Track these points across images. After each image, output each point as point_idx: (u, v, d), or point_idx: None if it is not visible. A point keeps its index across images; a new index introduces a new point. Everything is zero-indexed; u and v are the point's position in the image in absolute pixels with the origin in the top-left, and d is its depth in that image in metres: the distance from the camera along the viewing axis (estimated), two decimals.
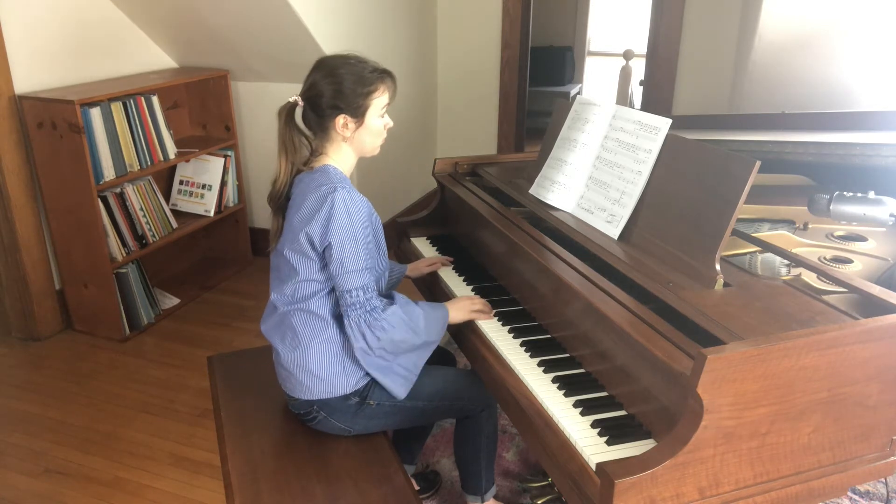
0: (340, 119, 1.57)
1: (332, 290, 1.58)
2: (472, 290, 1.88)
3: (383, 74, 1.60)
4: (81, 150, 2.66)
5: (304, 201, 1.54)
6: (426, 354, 1.65)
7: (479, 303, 1.73)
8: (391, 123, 1.66)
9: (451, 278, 1.96)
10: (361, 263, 1.51)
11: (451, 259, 2.03)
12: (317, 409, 1.62)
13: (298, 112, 1.61)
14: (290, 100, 1.60)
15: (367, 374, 1.61)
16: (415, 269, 1.99)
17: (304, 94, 1.59)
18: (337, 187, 1.51)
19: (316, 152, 1.62)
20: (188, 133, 3.52)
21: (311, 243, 1.52)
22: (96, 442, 2.33)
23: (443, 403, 1.71)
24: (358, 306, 1.51)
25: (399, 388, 1.61)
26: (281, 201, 1.63)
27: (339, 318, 1.59)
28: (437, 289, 1.97)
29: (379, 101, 1.60)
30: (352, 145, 1.62)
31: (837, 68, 2.87)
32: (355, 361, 1.59)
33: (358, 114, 1.57)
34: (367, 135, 1.62)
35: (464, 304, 1.71)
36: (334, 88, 1.55)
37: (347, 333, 1.54)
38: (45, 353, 2.87)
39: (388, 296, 1.61)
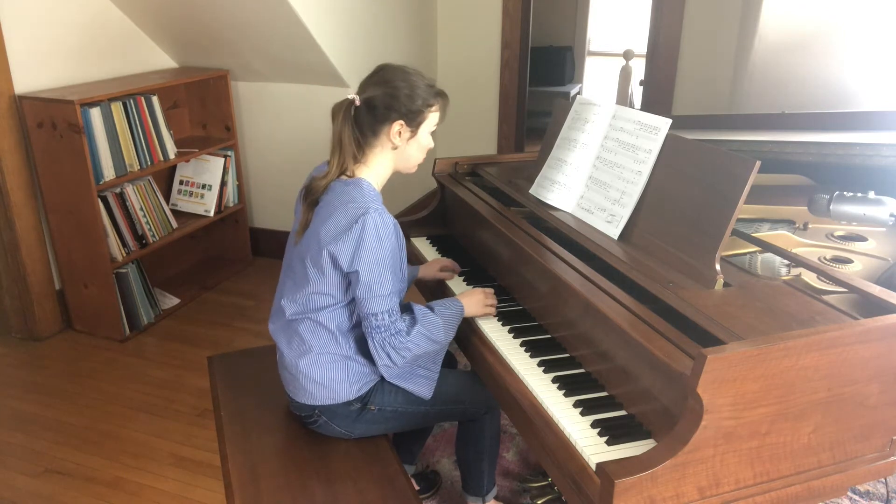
0: (397, 125, 1.55)
1: (345, 306, 1.57)
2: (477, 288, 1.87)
3: (442, 93, 1.62)
4: (81, 150, 2.66)
5: (331, 213, 1.51)
6: (443, 353, 1.66)
7: (491, 296, 1.72)
8: (433, 144, 1.65)
9: (452, 279, 1.96)
10: (389, 288, 1.50)
11: (460, 269, 1.99)
12: (318, 413, 1.62)
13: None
14: (349, 97, 1.56)
15: (371, 380, 1.61)
16: (426, 273, 1.96)
17: (364, 95, 1.56)
18: (369, 209, 1.48)
19: (356, 158, 1.59)
20: (188, 133, 3.52)
21: (335, 262, 1.50)
22: (96, 442, 2.33)
23: (445, 408, 1.71)
24: (383, 329, 1.51)
25: (424, 388, 1.62)
26: (315, 197, 1.59)
27: (346, 333, 1.58)
28: (437, 289, 1.97)
29: (434, 117, 1.61)
30: (396, 156, 1.61)
31: (837, 68, 2.87)
32: (360, 370, 1.59)
33: (414, 123, 1.57)
34: (415, 148, 1.61)
35: (478, 299, 1.70)
36: (400, 93, 1.53)
37: (371, 353, 1.54)
38: (45, 353, 2.87)
39: (405, 307, 1.59)
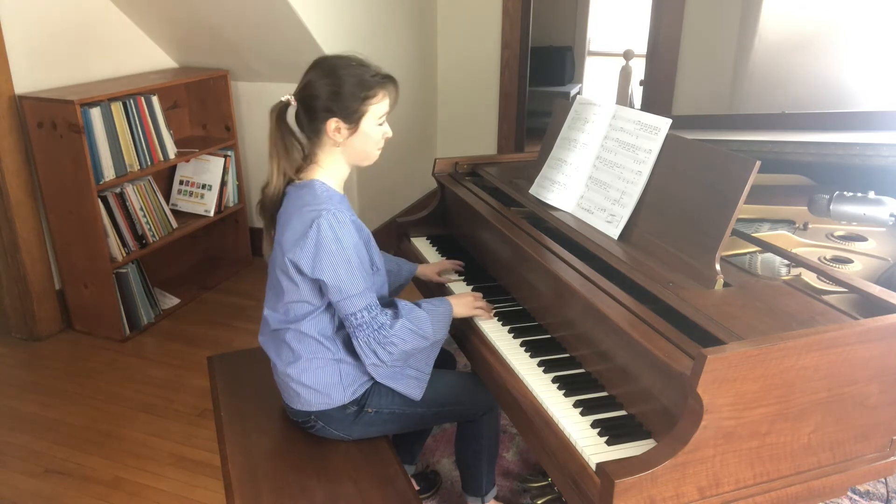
0: (332, 123, 1.49)
1: (325, 311, 1.55)
2: (472, 290, 1.88)
3: (385, 80, 1.52)
4: (81, 150, 2.66)
5: (289, 220, 1.50)
6: (435, 352, 1.64)
7: (482, 300, 1.72)
8: (390, 133, 1.58)
9: (450, 282, 1.96)
10: (361, 285, 1.47)
11: (461, 264, 1.99)
12: (314, 418, 1.61)
13: (291, 113, 1.54)
14: (283, 99, 1.52)
15: (366, 382, 1.60)
16: (425, 272, 1.95)
17: (298, 94, 1.51)
18: (322, 211, 1.45)
19: (308, 159, 1.56)
20: (188, 133, 3.52)
21: (299, 270, 1.48)
22: (96, 442, 2.33)
23: (443, 409, 1.71)
24: (365, 326, 1.48)
25: (414, 390, 1.61)
26: (272, 210, 1.57)
27: (331, 337, 1.57)
28: (437, 290, 1.97)
29: (377, 108, 1.52)
30: (344, 152, 1.55)
31: (837, 68, 2.87)
32: (352, 372, 1.58)
33: (352, 119, 1.50)
34: (361, 143, 1.53)
35: (467, 301, 1.69)
36: (330, 90, 1.47)
37: (358, 353, 1.52)
38: (45, 353, 2.87)
39: (389, 303, 1.58)
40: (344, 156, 1.56)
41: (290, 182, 1.56)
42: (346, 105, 1.48)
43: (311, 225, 1.44)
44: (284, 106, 1.52)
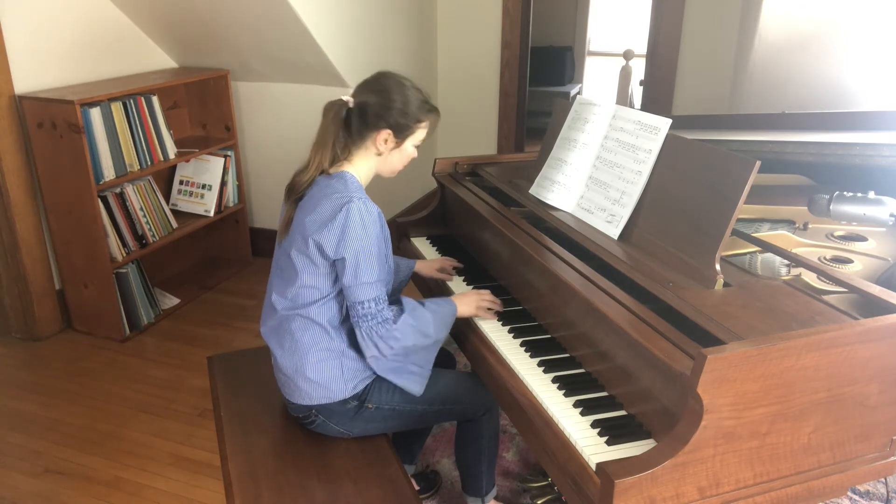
0: (384, 133, 1.59)
1: (334, 298, 1.57)
2: (473, 290, 1.87)
3: (434, 110, 1.66)
4: (81, 150, 2.66)
5: (317, 205, 1.54)
6: (436, 350, 1.66)
7: (487, 299, 1.73)
8: (416, 155, 1.70)
9: (451, 280, 1.96)
10: (375, 275, 1.52)
11: (460, 265, 2.00)
12: (315, 413, 1.62)
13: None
14: (343, 98, 1.60)
15: (367, 378, 1.61)
16: (423, 269, 1.96)
17: (358, 99, 1.59)
18: (353, 197, 1.52)
19: (341, 155, 1.62)
20: (188, 133, 3.52)
21: (321, 250, 1.52)
22: (96, 442, 2.33)
23: (443, 408, 1.71)
24: (370, 318, 1.52)
25: (415, 385, 1.63)
26: (298, 195, 1.62)
27: (338, 327, 1.59)
28: (437, 288, 1.97)
29: (421, 133, 1.65)
30: (379, 161, 1.65)
31: (837, 68, 2.87)
32: (354, 367, 1.59)
33: (402, 136, 1.61)
34: (398, 158, 1.65)
35: (472, 300, 1.71)
36: (393, 105, 1.57)
37: (359, 343, 1.55)
38: (45, 353, 2.87)
39: (395, 301, 1.60)
40: (377, 164, 1.66)
41: (322, 172, 1.62)
42: (402, 122, 1.60)
43: (342, 209, 1.50)
44: (342, 105, 1.60)
